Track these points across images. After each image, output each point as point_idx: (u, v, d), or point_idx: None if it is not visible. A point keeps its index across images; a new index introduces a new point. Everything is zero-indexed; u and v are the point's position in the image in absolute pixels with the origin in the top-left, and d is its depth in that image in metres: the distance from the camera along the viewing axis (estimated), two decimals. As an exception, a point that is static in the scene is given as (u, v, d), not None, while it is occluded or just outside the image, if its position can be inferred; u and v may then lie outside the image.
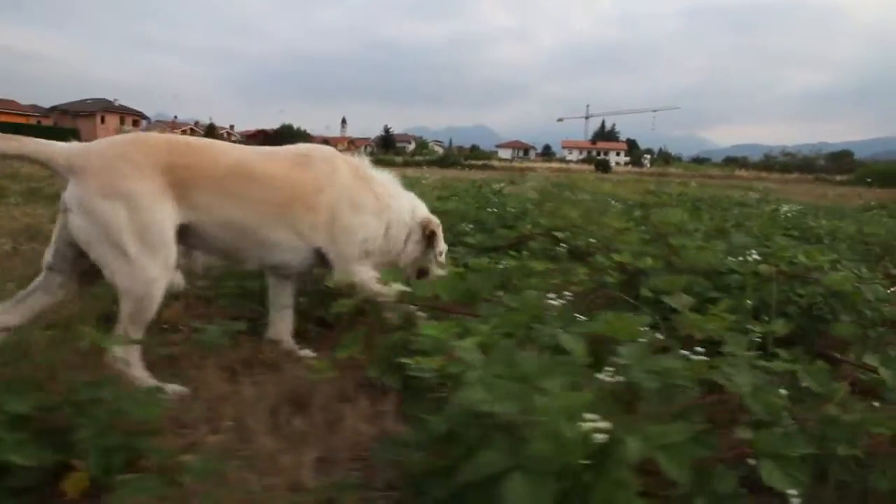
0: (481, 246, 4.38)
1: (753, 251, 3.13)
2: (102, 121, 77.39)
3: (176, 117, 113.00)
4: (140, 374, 2.57)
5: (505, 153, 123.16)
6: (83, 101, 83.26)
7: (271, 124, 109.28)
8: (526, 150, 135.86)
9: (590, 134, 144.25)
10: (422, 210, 3.51)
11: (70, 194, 2.57)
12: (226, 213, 2.84)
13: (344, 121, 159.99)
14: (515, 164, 75.37)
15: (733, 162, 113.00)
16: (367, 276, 3.09)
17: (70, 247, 2.64)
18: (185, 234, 2.81)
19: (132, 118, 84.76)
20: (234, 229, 2.89)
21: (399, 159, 76.32)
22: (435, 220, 3.49)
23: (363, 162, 3.38)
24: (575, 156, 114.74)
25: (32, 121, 70.01)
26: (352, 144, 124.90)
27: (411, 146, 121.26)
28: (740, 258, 3.01)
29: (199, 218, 2.79)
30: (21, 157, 2.57)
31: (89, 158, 2.60)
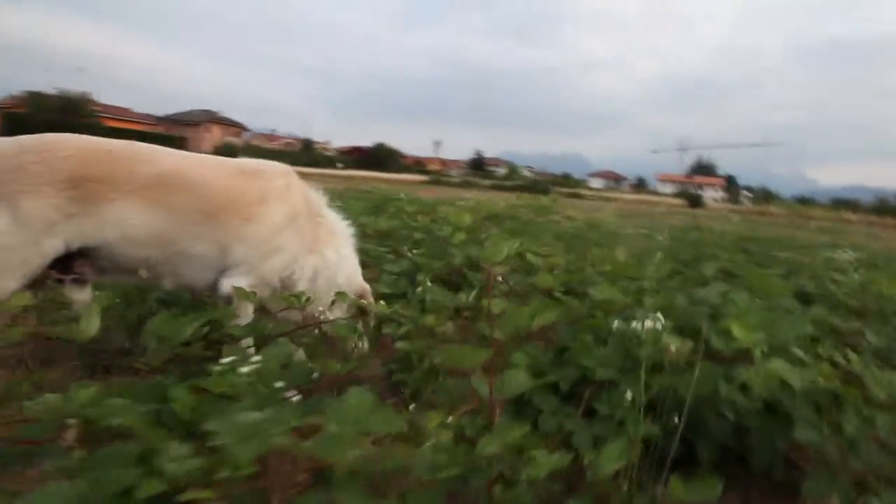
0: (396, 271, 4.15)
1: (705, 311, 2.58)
2: (208, 131, 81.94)
3: (274, 130, 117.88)
4: None
5: (596, 182, 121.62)
6: (190, 112, 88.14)
7: (367, 142, 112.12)
8: (618, 180, 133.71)
9: (686, 167, 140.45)
10: (358, 279, 3.25)
11: None
12: (143, 227, 2.61)
13: (437, 142, 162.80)
14: (604, 193, 74.50)
15: (843, 204, 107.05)
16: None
17: None
18: (93, 256, 2.62)
19: (234, 129, 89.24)
20: (150, 244, 2.66)
21: (487, 182, 77.32)
22: (368, 292, 3.22)
23: (320, 198, 3.22)
24: (669, 189, 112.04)
25: (144, 128, 74.49)
26: (444, 165, 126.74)
27: (502, 170, 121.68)
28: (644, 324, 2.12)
29: (107, 236, 2.57)
30: None
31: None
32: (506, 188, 65.48)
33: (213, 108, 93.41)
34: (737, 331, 2.18)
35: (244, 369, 1.70)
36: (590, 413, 2.22)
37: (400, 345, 2.73)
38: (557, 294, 3.09)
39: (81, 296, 2.69)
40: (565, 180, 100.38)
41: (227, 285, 2.80)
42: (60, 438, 1.56)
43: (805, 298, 3.86)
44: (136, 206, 2.60)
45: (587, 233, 8.01)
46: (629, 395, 1.99)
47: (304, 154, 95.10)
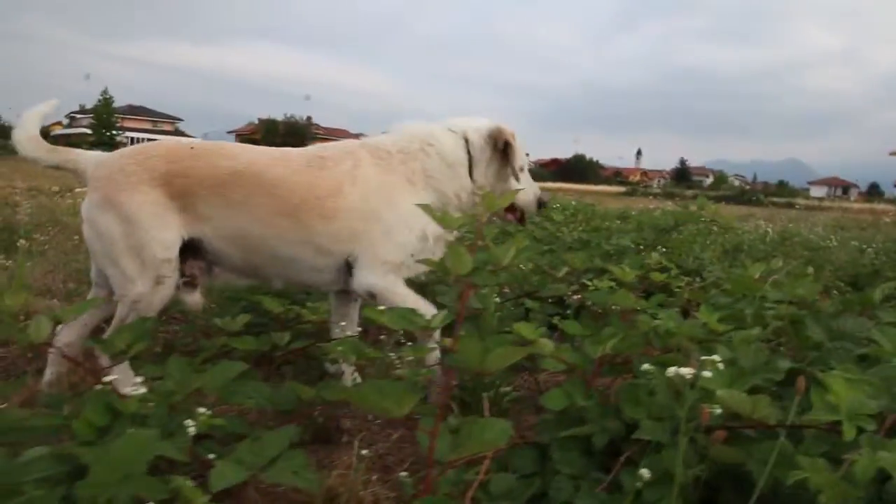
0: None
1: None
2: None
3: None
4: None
5: (818, 191, 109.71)
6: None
7: (565, 154, 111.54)
8: (846, 188, 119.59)
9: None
10: (480, 123, 2.96)
11: (83, 205, 2.63)
12: (231, 224, 2.62)
13: (639, 152, 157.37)
14: (826, 203, 66.67)
15: None
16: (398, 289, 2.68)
17: None
18: (199, 250, 2.67)
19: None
20: (242, 244, 2.66)
21: (690, 193, 73.03)
22: (507, 129, 2.93)
23: (384, 140, 2.89)
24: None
25: None
26: (645, 176, 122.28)
27: (709, 180, 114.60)
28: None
29: (206, 231, 2.61)
30: (62, 167, 2.65)
31: (98, 170, 2.61)
32: (711, 198, 61.10)
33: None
34: (836, 391, 1.43)
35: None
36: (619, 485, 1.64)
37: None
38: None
39: (192, 298, 2.71)
40: (780, 189, 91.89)
41: (359, 285, 2.69)
42: None
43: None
44: (219, 203, 2.61)
45: (755, 244, 6.90)
46: (646, 471, 1.41)
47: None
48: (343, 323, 2.85)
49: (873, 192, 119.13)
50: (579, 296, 2.93)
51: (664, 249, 5.27)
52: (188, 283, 2.68)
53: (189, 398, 1.79)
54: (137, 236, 2.51)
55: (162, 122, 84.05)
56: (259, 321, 3.07)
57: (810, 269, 2.84)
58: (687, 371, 1.42)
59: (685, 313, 4.09)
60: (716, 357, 1.51)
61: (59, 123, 70.12)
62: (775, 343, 2.35)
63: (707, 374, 1.44)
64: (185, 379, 1.75)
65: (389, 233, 2.68)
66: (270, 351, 2.61)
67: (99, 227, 2.55)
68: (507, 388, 2.73)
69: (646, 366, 1.55)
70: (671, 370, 1.46)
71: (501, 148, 2.91)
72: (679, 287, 3.49)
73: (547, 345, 1.92)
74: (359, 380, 2.66)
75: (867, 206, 61.93)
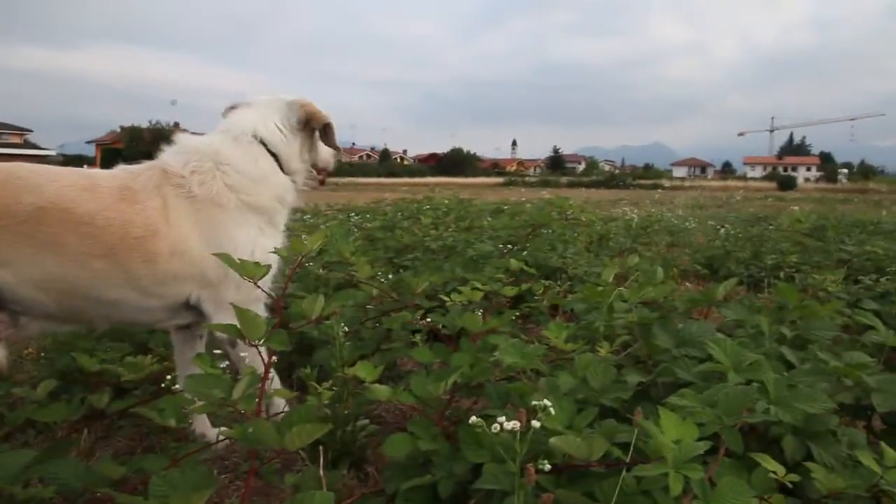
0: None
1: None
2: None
3: (354, 144, 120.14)
4: None
5: (680, 171, 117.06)
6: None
7: (443, 148, 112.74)
8: (703, 167, 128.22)
9: (775, 149, 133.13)
10: (275, 112, 2.74)
11: None
12: (39, 268, 2.25)
13: (514, 143, 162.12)
14: (687, 183, 71.22)
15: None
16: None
17: None
18: (3, 298, 2.26)
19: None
20: (55, 289, 2.29)
21: (564, 180, 76.12)
22: (316, 107, 2.77)
23: (173, 161, 2.53)
24: (758, 172, 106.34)
25: None
26: (521, 166, 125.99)
27: (581, 166, 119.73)
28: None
29: (6, 278, 2.22)
30: None
31: None
32: (584, 184, 64.06)
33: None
34: (666, 429, 1.36)
35: None
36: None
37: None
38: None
39: None
40: (646, 172, 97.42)
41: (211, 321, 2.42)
42: None
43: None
44: (22, 244, 2.21)
45: (620, 234, 7.12)
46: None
47: (381, 165, 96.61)
48: (189, 370, 2.51)
49: (727, 169, 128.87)
50: (429, 320, 2.81)
51: (528, 250, 5.29)
52: None
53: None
54: None
55: (8, 133, 77.23)
56: (80, 379, 2.73)
57: (660, 271, 2.82)
58: (513, 425, 1.31)
59: (553, 312, 4.13)
60: (546, 402, 1.41)
61: None
62: (626, 353, 2.33)
63: (536, 423, 1.33)
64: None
65: (224, 269, 2.34)
66: (92, 417, 2.30)
67: None
68: (364, 422, 2.58)
69: (473, 419, 1.43)
70: (497, 426, 1.34)
71: (319, 129, 2.77)
72: (539, 294, 3.46)
73: (382, 391, 1.77)
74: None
75: (721, 183, 66.83)
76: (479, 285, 2.74)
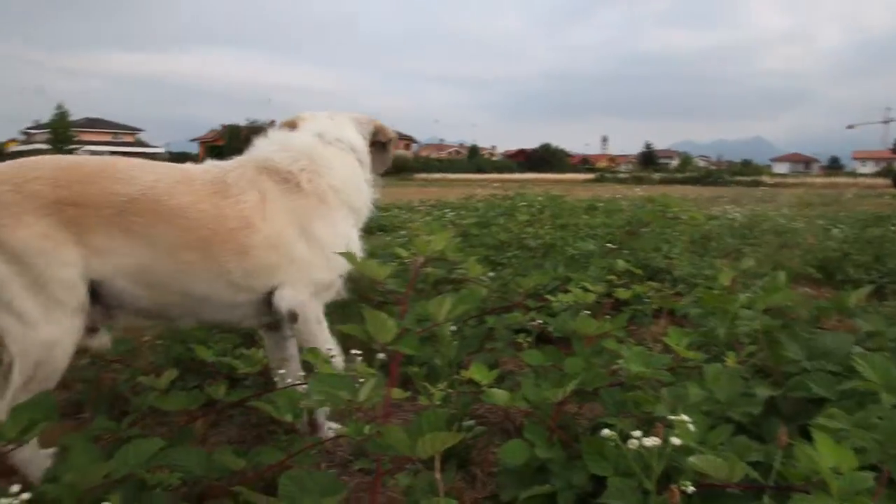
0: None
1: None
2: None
3: (442, 140, 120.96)
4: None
5: (781, 167, 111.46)
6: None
7: (531, 144, 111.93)
8: (807, 162, 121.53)
9: (890, 142, 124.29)
10: (353, 124, 2.86)
11: None
12: (133, 259, 2.29)
13: (605, 138, 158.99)
14: (790, 179, 67.61)
15: None
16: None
17: None
18: (98, 293, 2.31)
19: (404, 142, 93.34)
20: (147, 281, 2.34)
21: (657, 176, 73.79)
22: (383, 124, 2.94)
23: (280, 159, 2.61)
24: (870, 168, 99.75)
25: None
26: (612, 162, 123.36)
27: (675, 162, 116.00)
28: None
29: (105, 268, 2.26)
30: None
31: None
32: (677, 181, 61.98)
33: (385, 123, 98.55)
34: (823, 452, 1.22)
35: None
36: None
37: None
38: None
39: (97, 341, 2.44)
40: (744, 168, 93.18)
41: (281, 302, 2.46)
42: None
43: None
44: (118, 235, 2.27)
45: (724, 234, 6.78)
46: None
47: (470, 161, 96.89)
48: (283, 369, 2.57)
49: (833, 165, 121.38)
50: (539, 322, 2.74)
51: (630, 249, 5.12)
52: (87, 328, 2.35)
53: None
54: (33, 274, 2.14)
55: (122, 133, 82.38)
56: (195, 367, 2.84)
57: (782, 276, 2.64)
58: (652, 441, 1.23)
59: (657, 313, 3.97)
60: (685, 417, 1.32)
61: (13, 140, 68.46)
62: (750, 363, 2.18)
63: (676, 441, 1.25)
64: (89, 468, 1.52)
65: (314, 258, 2.50)
66: (206, 405, 2.37)
67: None
68: (470, 422, 2.54)
69: (605, 431, 1.36)
70: (633, 442, 1.26)
71: (384, 143, 2.91)
72: (648, 298, 3.32)
73: (499, 395, 1.72)
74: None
75: (829, 180, 62.95)
76: (588, 286, 2.65)
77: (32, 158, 2.37)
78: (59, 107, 64.62)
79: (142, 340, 3.51)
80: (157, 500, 1.71)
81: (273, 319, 2.59)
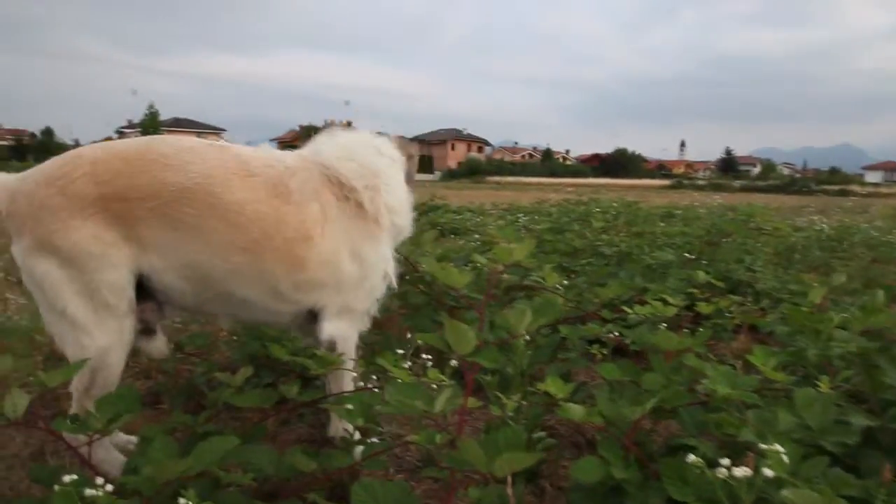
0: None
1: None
2: (452, 148, 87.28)
3: (516, 143, 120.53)
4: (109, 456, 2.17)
5: (874, 176, 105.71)
6: (437, 132, 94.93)
7: (606, 148, 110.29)
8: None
9: None
10: (391, 142, 2.71)
11: (13, 249, 2.19)
12: (181, 253, 2.21)
13: (683, 143, 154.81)
14: (883, 189, 63.89)
15: None
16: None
17: None
18: (147, 288, 2.26)
19: (477, 145, 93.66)
20: (193, 276, 2.25)
21: (737, 183, 71.05)
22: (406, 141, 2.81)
23: (345, 170, 2.48)
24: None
25: None
26: (689, 168, 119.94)
27: (756, 169, 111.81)
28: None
29: (153, 263, 2.20)
30: None
31: (14, 205, 2.14)
32: (759, 189, 59.53)
33: (459, 127, 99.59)
34: None
35: None
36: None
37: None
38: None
39: (155, 345, 2.42)
40: (832, 176, 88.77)
41: (324, 334, 2.41)
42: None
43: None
44: (166, 226, 2.18)
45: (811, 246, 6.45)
46: None
47: (543, 165, 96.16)
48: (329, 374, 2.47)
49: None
50: (616, 334, 2.66)
51: (710, 261, 4.92)
52: (143, 329, 2.34)
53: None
54: (85, 280, 2.10)
55: (207, 132, 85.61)
56: (268, 364, 2.89)
57: (881, 295, 2.47)
58: (743, 471, 1.16)
59: (738, 329, 3.80)
60: (778, 447, 1.24)
61: (109, 139, 72.27)
62: (844, 389, 2.05)
63: (769, 472, 1.17)
64: (167, 462, 1.55)
65: (360, 281, 2.42)
66: (278, 403, 2.40)
67: (36, 275, 2.12)
68: (541, 434, 2.49)
69: (691, 457, 1.28)
70: (722, 471, 1.19)
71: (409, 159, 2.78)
72: (730, 312, 3.18)
73: (576, 410, 1.66)
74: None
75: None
76: (668, 299, 2.55)
77: (73, 152, 2.26)
78: (151, 107, 67.87)
79: (219, 335, 3.61)
80: (231, 498, 1.74)
81: (309, 331, 2.54)
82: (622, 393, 2.09)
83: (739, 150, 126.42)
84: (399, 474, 2.37)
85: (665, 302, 2.53)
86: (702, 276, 3.43)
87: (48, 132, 74.91)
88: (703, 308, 2.83)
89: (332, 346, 2.42)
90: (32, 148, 62.78)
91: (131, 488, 1.58)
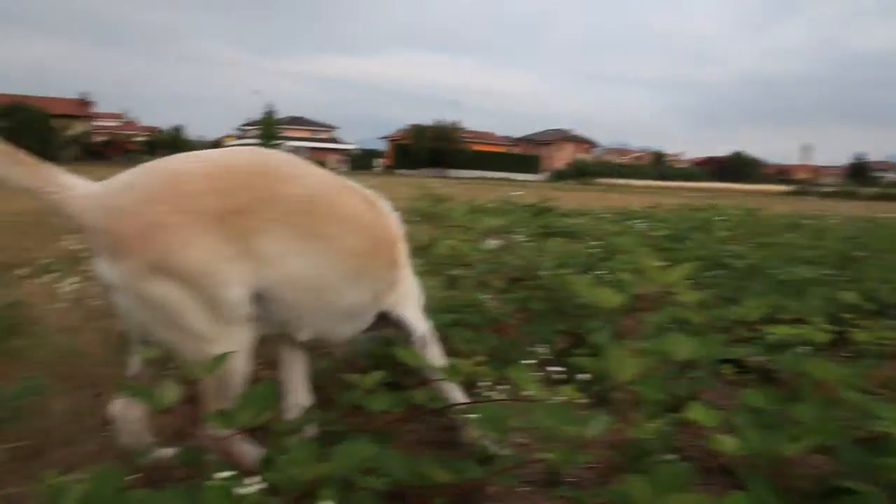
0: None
1: None
2: (559, 148, 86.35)
3: (626, 145, 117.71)
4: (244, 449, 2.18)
5: None
6: (545, 132, 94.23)
7: (721, 151, 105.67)
8: None
9: None
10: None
11: (108, 271, 2.04)
12: (297, 265, 2.15)
13: (807, 147, 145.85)
14: None
15: None
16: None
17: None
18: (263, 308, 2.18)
19: (585, 145, 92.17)
20: (301, 287, 2.20)
21: (869, 191, 65.59)
22: None
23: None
24: None
25: (504, 149, 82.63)
26: (814, 173, 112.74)
27: (891, 175, 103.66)
28: None
29: (269, 277, 2.12)
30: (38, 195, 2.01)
31: (116, 224, 2.02)
32: (893, 197, 55.05)
33: (566, 127, 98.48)
34: None
35: None
36: None
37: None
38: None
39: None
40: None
41: (415, 331, 2.56)
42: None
43: None
44: (287, 238, 2.13)
45: None
46: None
47: (653, 167, 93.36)
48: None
49: None
50: (761, 358, 2.50)
51: (852, 279, 4.56)
52: None
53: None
54: (205, 297, 2.02)
55: (319, 130, 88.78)
56: (393, 366, 2.93)
57: None
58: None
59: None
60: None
61: (230, 136, 76.45)
62: None
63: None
64: (308, 463, 1.59)
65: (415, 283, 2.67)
66: (406, 410, 2.41)
67: (153, 298, 2.01)
68: (672, 457, 2.37)
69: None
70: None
71: None
72: (888, 341, 2.91)
73: (729, 443, 1.56)
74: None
75: None
76: (821, 323, 2.37)
77: (174, 164, 2.17)
78: (268, 106, 70.99)
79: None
80: (363, 500, 1.76)
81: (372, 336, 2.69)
82: (767, 423, 1.96)
83: (871, 155, 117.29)
84: (528, 490, 2.33)
85: (818, 327, 2.34)
86: (849, 296, 3.18)
87: (177, 129, 79.85)
88: (858, 336, 2.61)
89: (424, 341, 2.51)
90: (163, 143, 67.16)
91: (271, 484, 1.63)
